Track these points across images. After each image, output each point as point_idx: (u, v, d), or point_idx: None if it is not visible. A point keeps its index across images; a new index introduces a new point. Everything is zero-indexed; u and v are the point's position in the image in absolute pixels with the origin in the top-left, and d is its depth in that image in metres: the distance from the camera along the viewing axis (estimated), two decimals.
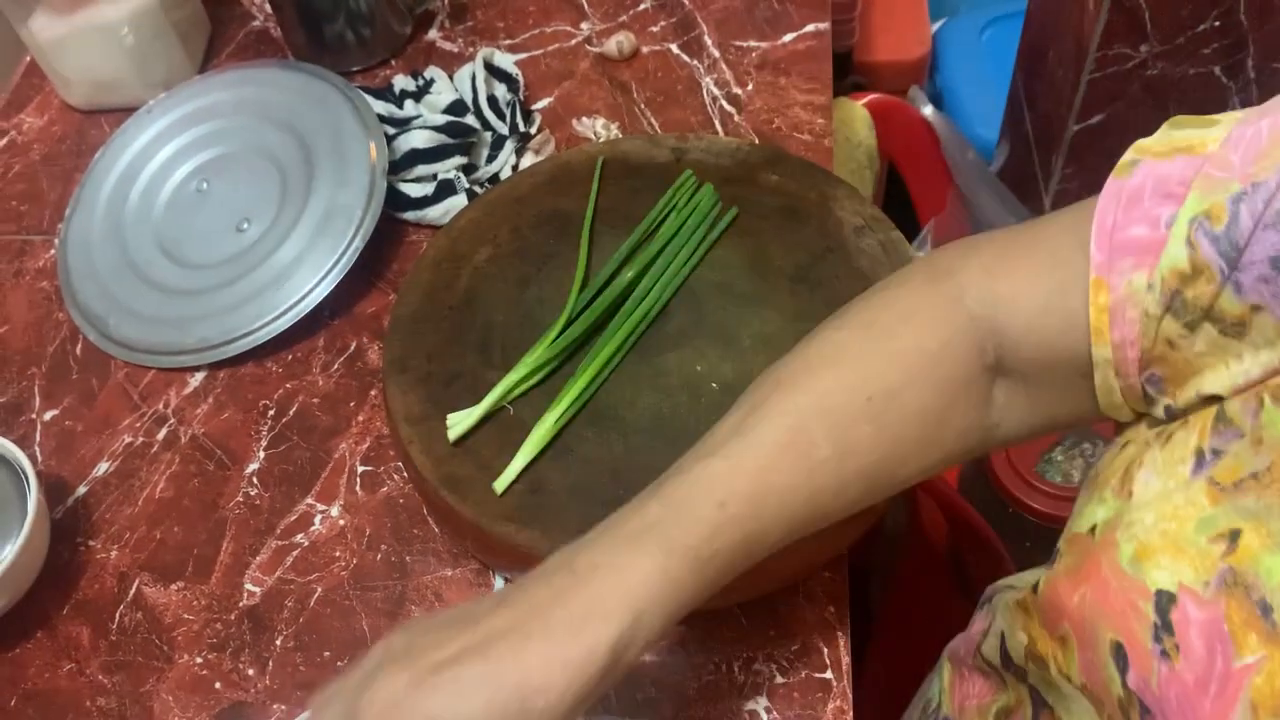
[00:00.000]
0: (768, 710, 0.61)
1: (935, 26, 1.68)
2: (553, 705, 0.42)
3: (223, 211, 0.82)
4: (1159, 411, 0.47)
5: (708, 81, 0.91)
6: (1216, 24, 1.06)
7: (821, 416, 0.48)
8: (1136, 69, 1.12)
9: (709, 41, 0.94)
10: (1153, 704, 0.42)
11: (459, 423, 0.64)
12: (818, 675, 0.61)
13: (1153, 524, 0.43)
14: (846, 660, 0.62)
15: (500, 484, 0.62)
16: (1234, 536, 0.40)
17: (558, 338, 0.66)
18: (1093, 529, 0.46)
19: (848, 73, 1.57)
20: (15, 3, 0.89)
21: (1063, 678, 0.49)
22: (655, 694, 0.62)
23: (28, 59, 0.99)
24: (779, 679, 0.61)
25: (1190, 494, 0.42)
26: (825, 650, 0.62)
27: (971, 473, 1.16)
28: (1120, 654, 0.43)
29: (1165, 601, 0.41)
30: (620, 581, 0.44)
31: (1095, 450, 1.20)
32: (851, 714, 0.60)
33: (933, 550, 0.99)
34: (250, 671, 0.65)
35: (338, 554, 0.69)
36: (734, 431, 0.49)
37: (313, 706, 0.47)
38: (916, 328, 0.51)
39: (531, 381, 0.66)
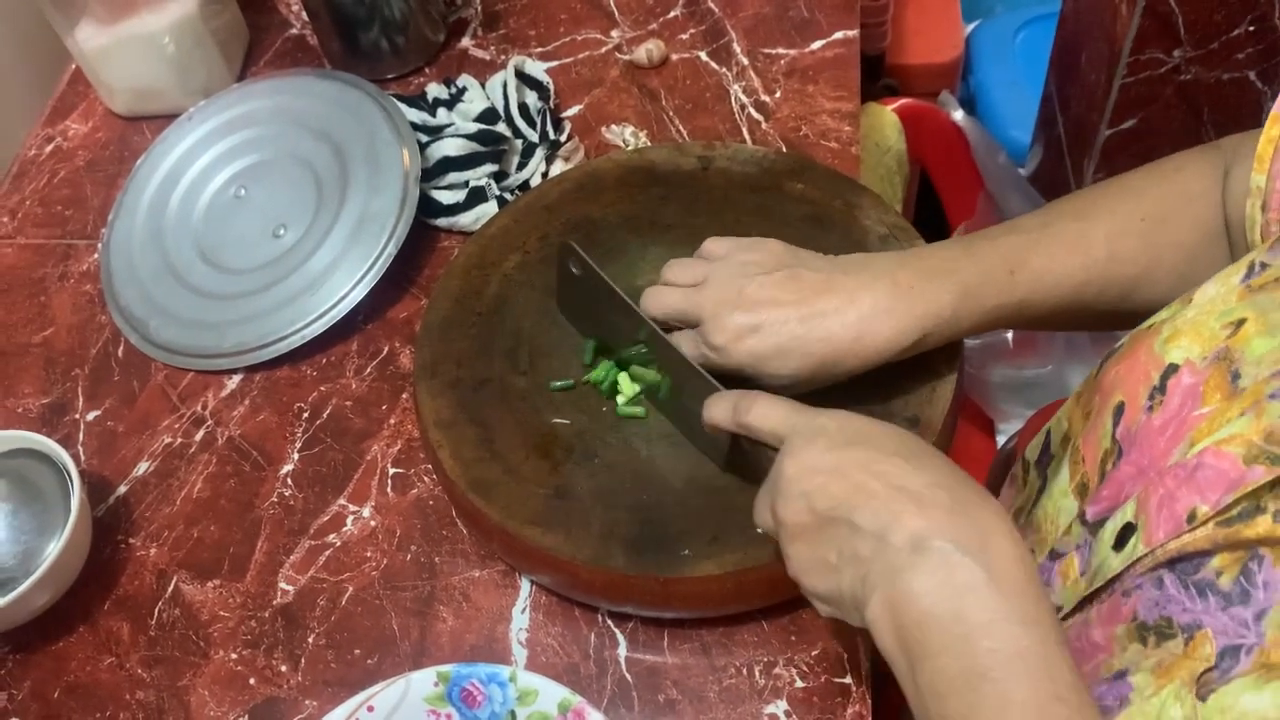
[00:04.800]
0: (787, 714, 0.61)
1: (968, 29, 1.67)
2: (838, 371, 0.59)
3: (260, 217, 0.84)
4: None
5: (736, 89, 0.92)
6: (1250, 29, 1.05)
7: (1104, 226, 0.60)
8: (1169, 73, 1.11)
9: (738, 49, 0.95)
10: (1126, 445, 0.52)
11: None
12: (837, 680, 0.62)
13: (1191, 317, 0.52)
14: (866, 665, 0.62)
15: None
16: (1239, 324, 0.49)
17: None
18: (1151, 325, 0.55)
19: (880, 75, 1.57)
20: (61, 13, 0.91)
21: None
22: (676, 696, 0.63)
23: (73, 67, 1.01)
24: (799, 683, 0.62)
25: (1228, 296, 0.51)
26: (845, 655, 0.63)
27: (997, 479, 1.16)
28: (1119, 410, 0.53)
29: (1170, 371, 0.51)
30: (924, 305, 0.58)
31: None
32: (871, 719, 0.61)
33: None
34: (283, 668, 0.67)
35: (369, 554, 0.71)
36: (1037, 222, 0.62)
37: (675, 273, 0.65)
38: (1186, 175, 0.62)
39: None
